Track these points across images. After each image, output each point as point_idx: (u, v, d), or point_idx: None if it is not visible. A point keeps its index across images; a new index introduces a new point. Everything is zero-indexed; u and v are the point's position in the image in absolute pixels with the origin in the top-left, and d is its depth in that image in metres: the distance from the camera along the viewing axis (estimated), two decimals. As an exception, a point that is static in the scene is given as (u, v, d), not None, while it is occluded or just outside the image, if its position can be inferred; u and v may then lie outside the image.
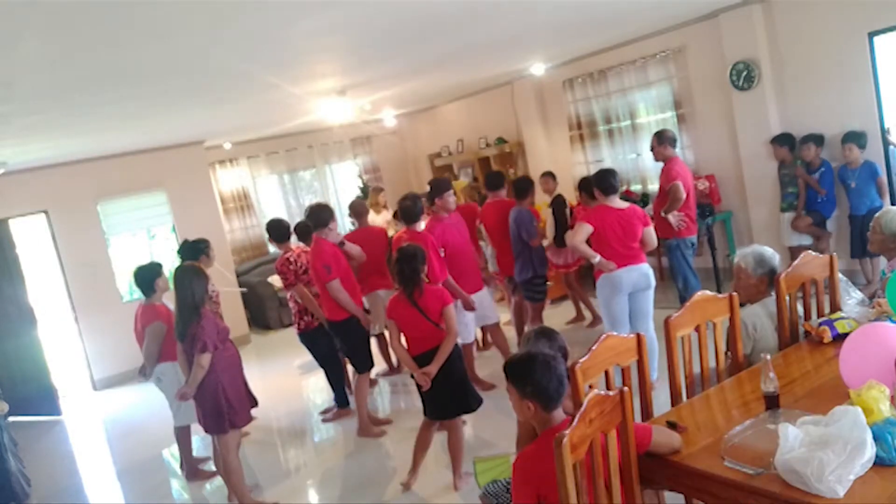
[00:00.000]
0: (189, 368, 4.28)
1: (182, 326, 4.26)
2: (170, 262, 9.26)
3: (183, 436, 5.25)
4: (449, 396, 4.22)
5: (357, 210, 6.58)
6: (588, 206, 5.65)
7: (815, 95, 6.59)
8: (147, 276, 4.99)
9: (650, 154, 8.26)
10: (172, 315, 4.86)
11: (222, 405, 4.27)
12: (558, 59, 8.50)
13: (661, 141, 6.14)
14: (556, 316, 7.30)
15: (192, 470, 5.33)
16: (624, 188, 8.52)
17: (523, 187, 6.18)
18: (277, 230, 5.87)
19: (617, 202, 5.09)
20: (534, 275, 6.14)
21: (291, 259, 5.69)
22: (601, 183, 5.10)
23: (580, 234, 4.93)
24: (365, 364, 5.45)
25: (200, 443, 6.04)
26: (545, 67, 8.63)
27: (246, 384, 4.58)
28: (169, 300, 5.18)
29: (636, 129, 8.35)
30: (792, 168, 6.63)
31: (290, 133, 10.82)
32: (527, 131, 9.84)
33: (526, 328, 6.09)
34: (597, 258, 4.92)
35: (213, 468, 5.30)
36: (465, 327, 5.48)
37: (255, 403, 4.67)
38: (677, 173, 5.97)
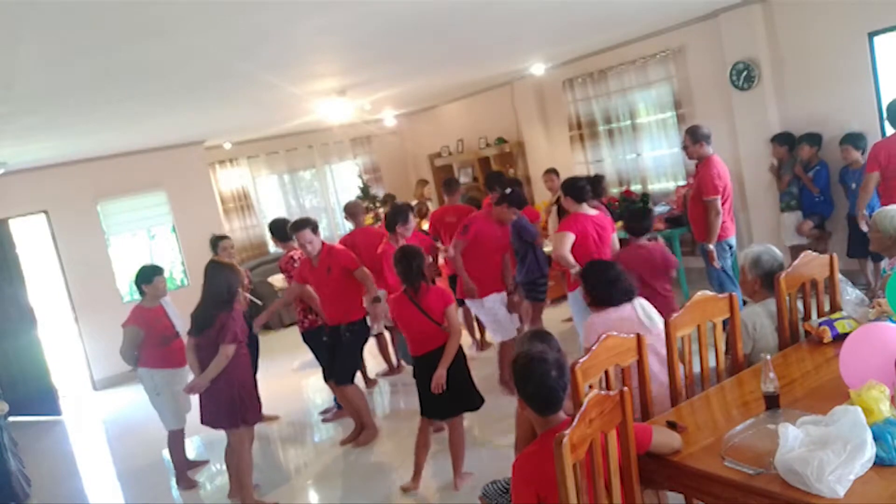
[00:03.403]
0: (200, 364, 4.25)
1: (205, 320, 4.22)
2: (169, 263, 9.32)
3: (175, 440, 5.17)
4: (453, 395, 4.20)
5: (352, 211, 6.59)
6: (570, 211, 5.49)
7: (815, 95, 6.59)
8: (138, 280, 5.01)
9: (650, 154, 8.34)
10: (159, 321, 4.91)
11: (236, 400, 4.28)
12: (558, 59, 8.51)
13: (697, 138, 5.51)
14: (556, 315, 7.30)
15: (182, 474, 5.24)
16: (624, 188, 8.53)
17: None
18: (282, 230, 5.85)
19: (588, 209, 5.05)
20: (539, 275, 6.12)
21: (295, 257, 5.69)
22: (574, 190, 5.01)
23: (566, 243, 4.79)
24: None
25: (200, 442, 6.05)
26: (545, 67, 8.63)
27: (256, 384, 4.61)
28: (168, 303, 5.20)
29: (636, 129, 8.35)
30: (788, 167, 6.63)
31: (290, 133, 10.83)
32: (527, 131, 9.85)
33: (525, 328, 6.09)
34: (576, 268, 4.74)
35: (197, 477, 5.32)
36: (501, 325, 5.50)
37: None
38: (715, 182, 5.39)
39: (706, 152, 5.51)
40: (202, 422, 4.44)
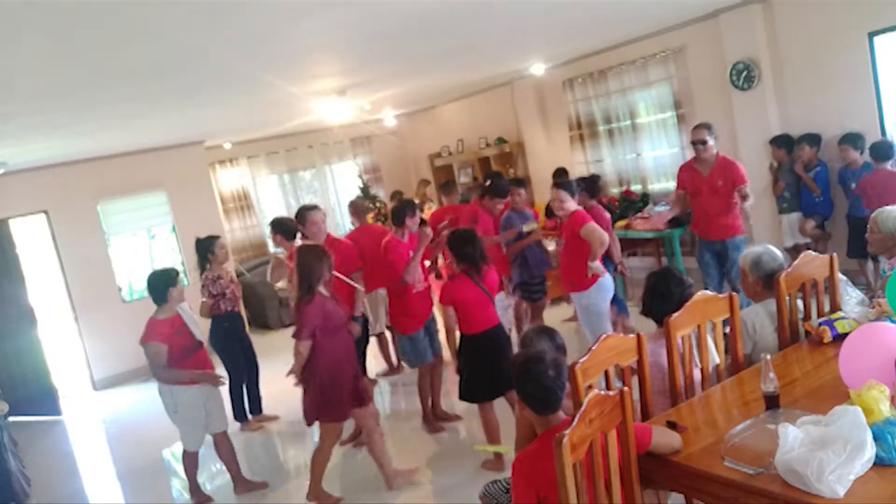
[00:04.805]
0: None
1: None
2: (169, 263, 9.31)
3: (189, 461, 4.84)
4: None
5: (357, 209, 6.59)
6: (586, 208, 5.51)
7: (815, 95, 6.59)
8: (160, 283, 4.53)
9: (650, 154, 8.33)
10: (178, 333, 4.51)
11: (316, 396, 4.21)
12: (558, 59, 8.50)
13: (713, 133, 5.67)
14: (556, 315, 7.30)
15: (196, 490, 4.93)
16: (624, 188, 8.53)
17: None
18: (290, 229, 5.67)
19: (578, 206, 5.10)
20: (529, 276, 6.13)
21: None
22: (571, 189, 5.03)
23: (604, 234, 4.83)
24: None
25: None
26: (545, 67, 8.63)
27: (357, 377, 4.44)
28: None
29: (636, 129, 8.35)
30: (785, 171, 6.63)
31: (290, 133, 10.83)
32: (527, 131, 9.85)
33: (526, 327, 6.09)
34: (595, 262, 4.82)
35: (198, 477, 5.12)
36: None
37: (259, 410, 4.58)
38: (742, 169, 5.62)
39: (716, 150, 5.70)
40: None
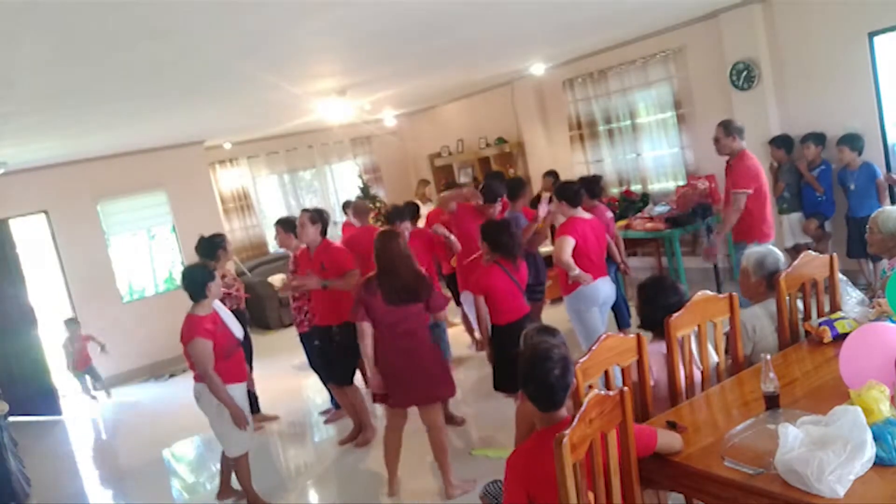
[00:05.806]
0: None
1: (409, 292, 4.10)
2: (168, 263, 9.33)
3: (242, 466, 4.50)
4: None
5: (358, 210, 6.60)
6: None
7: (815, 95, 6.59)
8: (198, 277, 4.24)
9: (650, 154, 8.33)
10: (219, 329, 4.27)
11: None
12: (558, 59, 8.51)
13: (730, 131, 5.18)
14: (556, 315, 7.29)
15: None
16: (624, 188, 8.53)
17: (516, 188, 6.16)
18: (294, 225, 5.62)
19: (583, 213, 5.11)
20: (534, 279, 6.14)
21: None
22: (568, 194, 5.06)
23: (567, 248, 4.85)
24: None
25: (199, 441, 6.02)
26: (545, 67, 8.63)
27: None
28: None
29: (636, 129, 8.35)
30: (785, 171, 6.62)
31: (290, 133, 10.83)
32: (527, 131, 9.85)
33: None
34: (576, 271, 4.82)
35: (196, 477, 5.13)
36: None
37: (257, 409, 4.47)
38: (748, 173, 5.13)
39: (739, 146, 5.22)
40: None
